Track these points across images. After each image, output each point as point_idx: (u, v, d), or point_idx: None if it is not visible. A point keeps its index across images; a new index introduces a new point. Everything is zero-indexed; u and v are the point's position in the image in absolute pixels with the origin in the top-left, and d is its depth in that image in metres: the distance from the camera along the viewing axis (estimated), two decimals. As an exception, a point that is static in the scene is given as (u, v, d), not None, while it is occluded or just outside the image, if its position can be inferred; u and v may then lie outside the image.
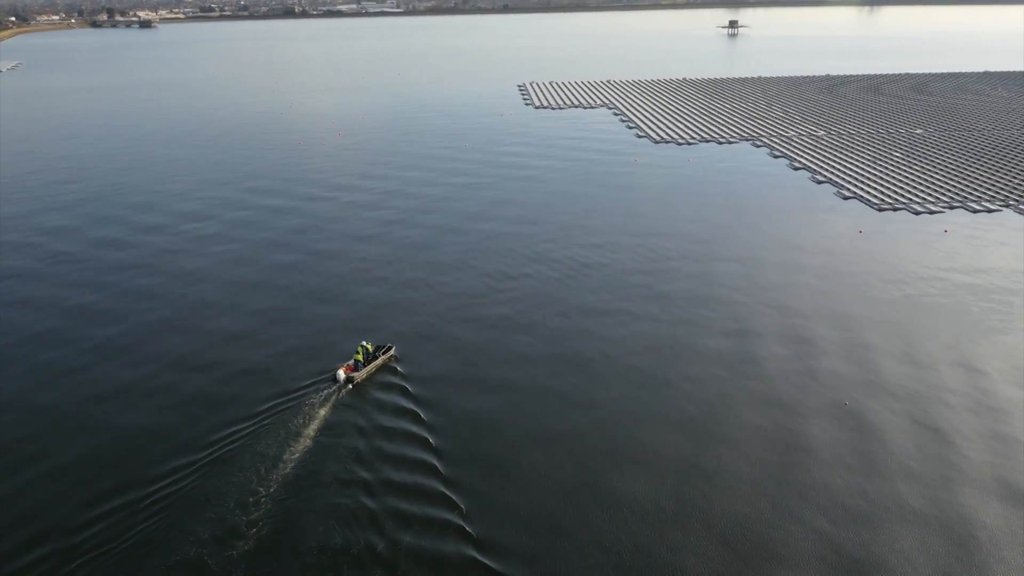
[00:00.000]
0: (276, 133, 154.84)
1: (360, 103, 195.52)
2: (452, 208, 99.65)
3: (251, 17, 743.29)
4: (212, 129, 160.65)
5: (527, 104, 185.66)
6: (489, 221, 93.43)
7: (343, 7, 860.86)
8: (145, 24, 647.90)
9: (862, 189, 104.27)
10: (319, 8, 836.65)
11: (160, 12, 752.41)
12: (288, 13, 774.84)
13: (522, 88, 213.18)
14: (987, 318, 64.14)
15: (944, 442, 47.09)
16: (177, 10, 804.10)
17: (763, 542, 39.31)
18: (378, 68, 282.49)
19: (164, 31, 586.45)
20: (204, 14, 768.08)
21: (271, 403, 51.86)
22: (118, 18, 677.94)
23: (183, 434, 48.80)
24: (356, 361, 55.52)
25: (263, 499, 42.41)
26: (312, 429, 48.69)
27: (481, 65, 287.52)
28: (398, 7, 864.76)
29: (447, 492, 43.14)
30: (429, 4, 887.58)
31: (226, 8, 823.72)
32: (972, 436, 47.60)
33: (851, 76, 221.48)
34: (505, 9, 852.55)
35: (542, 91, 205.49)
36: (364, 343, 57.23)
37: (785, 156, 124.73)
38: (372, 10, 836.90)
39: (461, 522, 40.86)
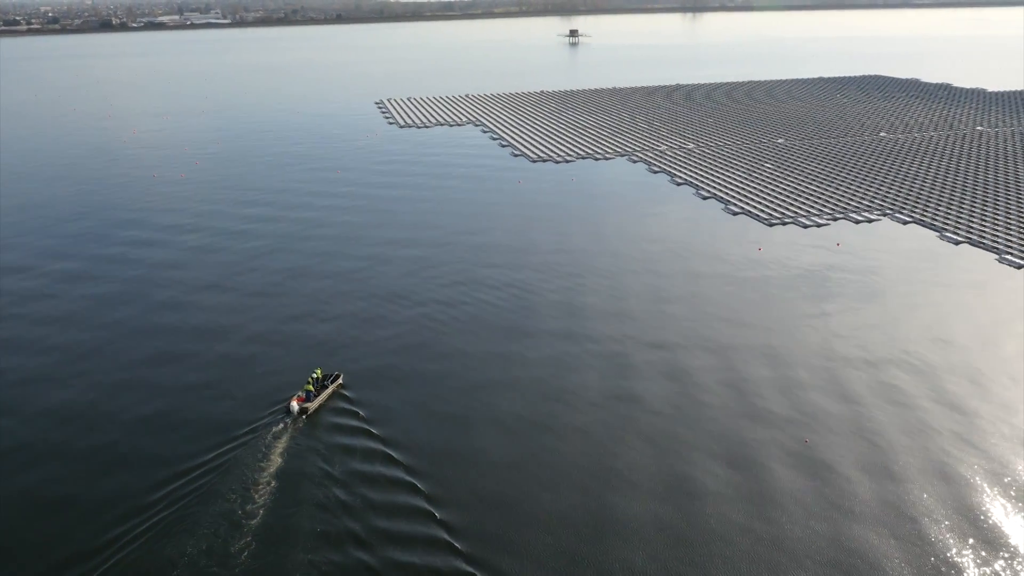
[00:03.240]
0: (126, 165, 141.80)
1: (209, 127, 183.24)
2: (342, 238, 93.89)
3: (64, 31, 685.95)
4: (55, 163, 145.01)
5: (390, 123, 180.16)
6: (384, 251, 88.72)
7: (165, 19, 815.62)
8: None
9: (747, 203, 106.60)
10: (139, 20, 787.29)
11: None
12: (105, 26, 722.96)
13: (381, 106, 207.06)
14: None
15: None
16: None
17: None
18: (219, 87, 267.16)
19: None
20: (8, 28, 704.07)
21: (244, 428, 53.35)
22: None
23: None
24: (307, 391, 55.79)
25: (244, 529, 43.55)
26: (274, 460, 49.51)
27: (331, 81, 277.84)
28: (224, 18, 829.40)
29: (430, 508, 45.95)
30: (258, 15, 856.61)
31: (33, 21, 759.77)
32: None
33: (699, 84, 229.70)
34: (338, 19, 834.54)
35: (403, 108, 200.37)
36: (314, 372, 58.34)
37: (664, 171, 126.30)
38: (197, 21, 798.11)
39: (443, 532, 44.12)
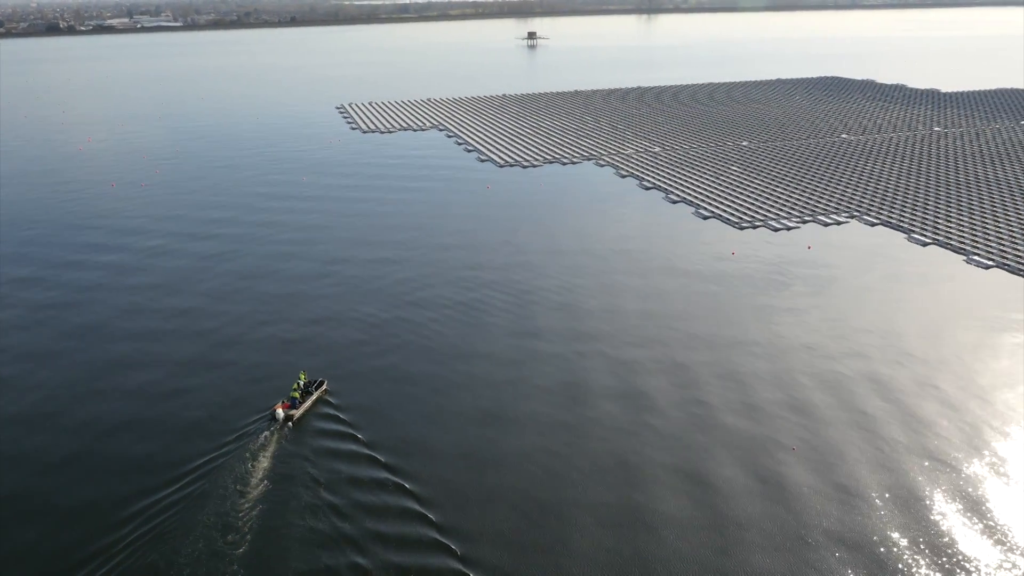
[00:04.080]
0: (81, 174, 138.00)
1: (168, 134, 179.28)
2: (312, 251, 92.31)
3: (8, 35, 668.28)
4: (8, 171, 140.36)
5: (353, 129, 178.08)
6: (357, 254, 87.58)
7: (114, 22, 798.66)
8: None
9: (717, 207, 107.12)
10: (87, 23, 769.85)
11: None
12: (52, 29, 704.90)
13: (342, 110, 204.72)
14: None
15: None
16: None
17: None
18: (174, 92, 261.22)
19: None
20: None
21: (231, 435, 53.19)
22: None
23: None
24: (293, 398, 55.82)
25: (233, 537, 43.16)
26: (261, 467, 49.30)
27: (291, 86, 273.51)
28: (175, 21, 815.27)
29: (424, 510, 46.52)
30: (210, 18, 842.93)
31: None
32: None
33: (659, 87, 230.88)
34: (293, 22, 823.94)
35: (365, 113, 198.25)
36: (299, 376, 58.39)
37: (632, 175, 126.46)
38: (148, 24, 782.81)
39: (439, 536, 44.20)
